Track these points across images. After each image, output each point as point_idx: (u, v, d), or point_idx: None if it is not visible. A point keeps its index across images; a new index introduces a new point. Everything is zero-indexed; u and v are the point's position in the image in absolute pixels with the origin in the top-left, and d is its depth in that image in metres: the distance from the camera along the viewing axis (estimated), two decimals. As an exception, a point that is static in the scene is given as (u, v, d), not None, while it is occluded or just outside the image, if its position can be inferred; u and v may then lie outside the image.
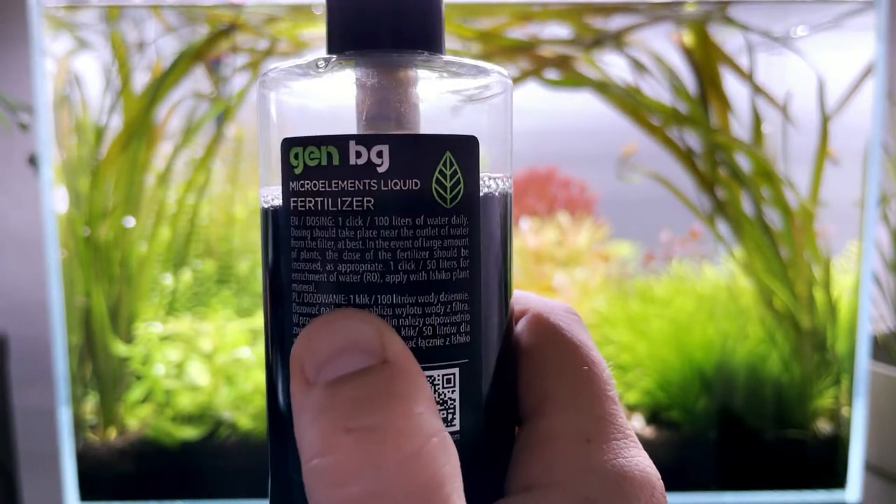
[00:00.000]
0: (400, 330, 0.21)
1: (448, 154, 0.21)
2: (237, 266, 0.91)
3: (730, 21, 0.84)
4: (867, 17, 0.82)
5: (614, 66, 0.86)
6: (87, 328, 0.86)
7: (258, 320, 0.89)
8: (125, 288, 0.87)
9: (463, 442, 0.21)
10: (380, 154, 0.21)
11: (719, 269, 0.93)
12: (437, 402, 0.21)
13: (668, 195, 0.89)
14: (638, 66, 0.86)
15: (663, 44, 0.86)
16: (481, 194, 0.22)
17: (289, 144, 0.21)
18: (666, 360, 0.88)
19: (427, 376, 0.21)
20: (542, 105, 0.90)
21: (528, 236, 0.97)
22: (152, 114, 0.85)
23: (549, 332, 0.24)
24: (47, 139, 0.81)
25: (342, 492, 0.18)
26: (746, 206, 0.87)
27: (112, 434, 0.86)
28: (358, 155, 0.21)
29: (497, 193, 0.23)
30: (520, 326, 0.24)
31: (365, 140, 0.21)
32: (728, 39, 0.86)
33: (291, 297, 0.22)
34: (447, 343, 0.21)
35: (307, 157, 0.21)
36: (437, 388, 0.21)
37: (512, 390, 0.24)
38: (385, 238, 0.21)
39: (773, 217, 0.86)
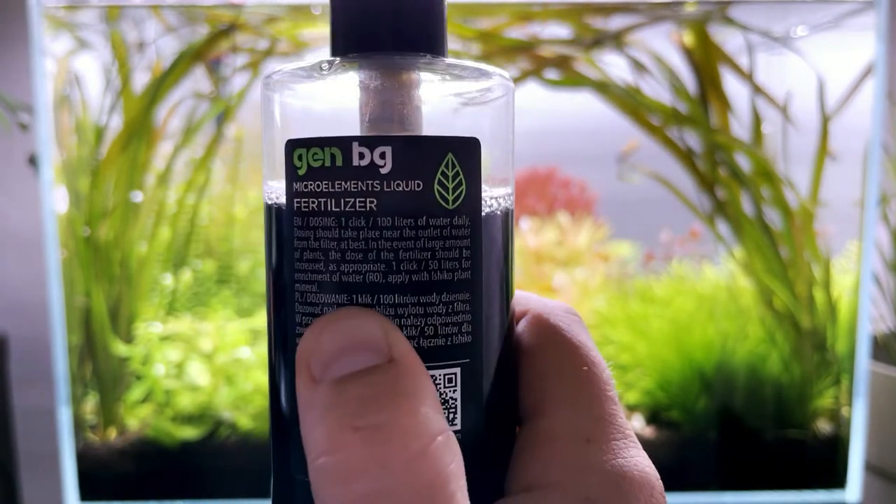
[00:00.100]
0: (402, 330, 0.21)
1: (450, 156, 0.21)
2: (237, 266, 0.91)
3: (730, 21, 0.84)
4: (867, 17, 0.82)
5: (614, 66, 0.86)
6: (87, 328, 0.86)
7: (258, 320, 0.89)
8: (125, 288, 0.87)
9: (464, 441, 0.21)
10: (383, 155, 0.21)
11: (719, 269, 0.93)
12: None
13: (668, 195, 0.89)
14: (638, 66, 0.86)
15: (663, 44, 0.86)
16: (482, 196, 0.22)
17: (292, 146, 0.22)
18: (666, 360, 0.88)
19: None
20: (542, 105, 0.90)
21: (528, 236, 0.97)
22: (152, 114, 0.85)
23: (549, 333, 0.24)
24: (47, 139, 0.81)
25: (349, 489, 0.18)
26: (746, 206, 0.87)
27: (112, 434, 0.86)
28: (361, 156, 0.21)
29: (498, 199, 0.23)
30: (520, 327, 0.24)
31: (368, 141, 0.21)
32: (728, 39, 0.86)
33: (294, 296, 0.22)
34: (449, 343, 0.21)
35: (311, 159, 0.21)
36: (438, 387, 0.21)
37: (513, 390, 0.24)
38: (387, 238, 0.21)
39: (773, 217, 0.86)
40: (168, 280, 0.90)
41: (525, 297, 0.25)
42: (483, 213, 0.22)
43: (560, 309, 0.25)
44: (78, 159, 0.85)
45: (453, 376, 0.22)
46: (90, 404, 0.87)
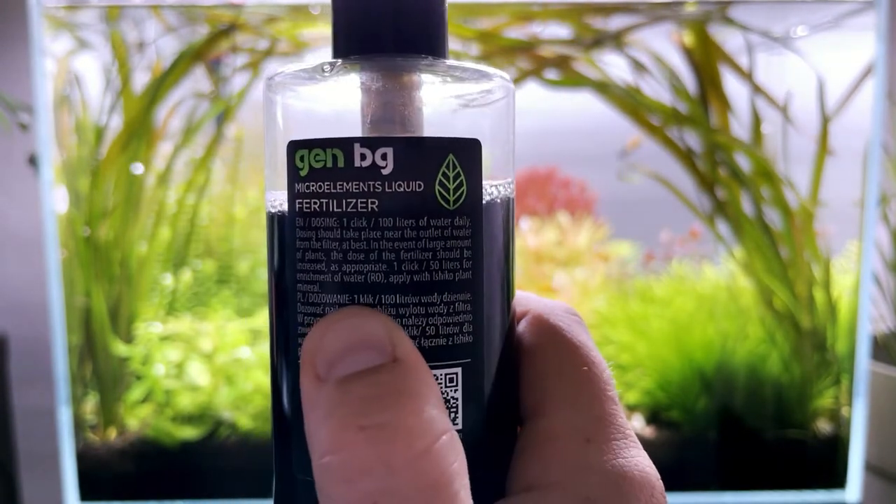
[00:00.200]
0: (403, 329, 0.21)
1: (451, 157, 0.21)
2: (237, 266, 0.92)
3: (730, 21, 0.84)
4: (867, 17, 0.82)
5: (614, 66, 0.86)
6: (87, 328, 0.86)
7: (258, 320, 0.89)
8: (125, 288, 0.87)
9: (465, 441, 0.21)
10: (384, 156, 0.21)
11: (719, 269, 0.93)
12: None
13: (668, 195, 0.89)
14: (638, 66, 0.86)
15: (663, 44, 0.86)
16: (484, 197, 0.22)
17: (294, 147, 0.22)
18: (666, 360, 0.89)
19: None
20: (542, 105, 0.90)
21: (528, 236, 0.97)
22: (152, 114, 0.85)
23: (549, 333, 0.24)
24: (47, 139, 0.81)
25: (354, 488, 0.18)
26: (746, 206, 0.87)
27: (112, 434, 0.86)
28: (363, 157, 0.21)
29: (499, 196, 0.23)
30: (520, 327, 0.24)
31: (369, 142, 0.21)
32: (728, 39, 0.86)
33: (297, 297, 0.22)
34: (450, 343, 0.22)
35: (312, 160, 0.21)
36: (440, 387, 0.21)
37: (513, 390, 0.24)
38: (389, 239, 0.21)
39: (773, 217, 0.86)
40: (168, 280, 0.90)
41: (525, 297, 0.25)
42: (484, 214, 0.22)
43: (560, 309, 0.25)
44: (78, 159, 0.85)
45: (454, 376, 0.22)
46: (90, 404, 0.87)
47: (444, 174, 0.21)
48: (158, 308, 0.89)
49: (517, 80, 0.86)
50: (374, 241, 0.21)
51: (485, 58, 0.86)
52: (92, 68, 0.86)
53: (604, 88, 0.86)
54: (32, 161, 0.86)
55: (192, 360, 0.86)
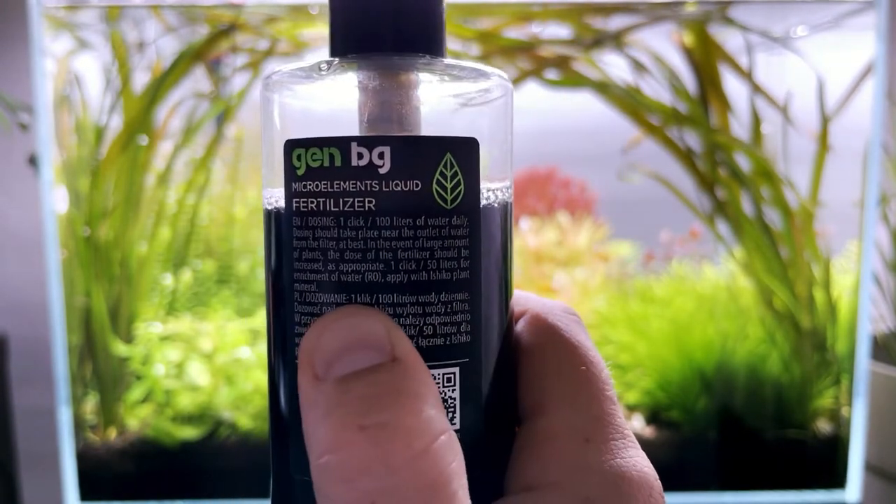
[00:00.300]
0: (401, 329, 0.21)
1: (448, 156, 0.21)
2: (237, 266, 0.92)
3: (730, 21, 0.84)
4: (867, 17, 0.82)
5: (614, 66, 0.86)
6: (87, 328, 0.86)
7: (258, 320, 0.89)
8: (125, 288, 0.87)
9: (463, 441, 0.21)
10: (381, 155, 0.21)
11: (719, 269, 0.93)
12: None
13: (668, 195, 0.89)
14: (638, 66, 0.86)
15: (663, 44, 0.86)
16: (481, 196, 0.22)
17: (291, 146, 0.22)
18: (666, 360, 0.89)
19: None
20: (542, 105, 0.90)
21: (528, 236, 0.97)
22: (152, 114, 0.85)
23: (547, 333, 0.24)
24: (47, 139, 0.81)
25: (353, 487, 0.18)
26: (746, 206, 0.87)
27: (112, 434, 0.86)
28: (360, 156, 0.21)
29: (497, 194, 0.23)
30: (519, 326, 0.24)
31: (366, 141, 0.21)
32: (728, 39, 0.86)
33: (293, 296, 0.22)
34: (447, 342, 0.22)
35: (310, 159, 0.21)
36: (437, 386, 0.21)
37: (512, 390, 0.24)
38: (386, 238, 0.21)
39: (773, 217, 0.86)
40: (168, 280, 0.90)
41: (524, 296, 0.25)
42: (481, 213, 0.22)
43: (559, 308, 0.25)
44: (78, 159, 0.85)
45: (452, 376, 0.22)
46: (90, 404, 0.87)
47: (441, 173, 0.21)
48: (158, 308, 0.89)
49: (517, 80, 0.86)
50: (371, 241, 0.21)
51: (485, 58, 0.86)
52: (92, 68, 0.86)
53: (604, 88, 0.86)
54: (32, 161, 0.86)
55: (192, 360, 0.86)
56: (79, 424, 0.85)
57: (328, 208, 0.21)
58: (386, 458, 0.18)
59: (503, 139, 0.24)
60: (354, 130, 0.23)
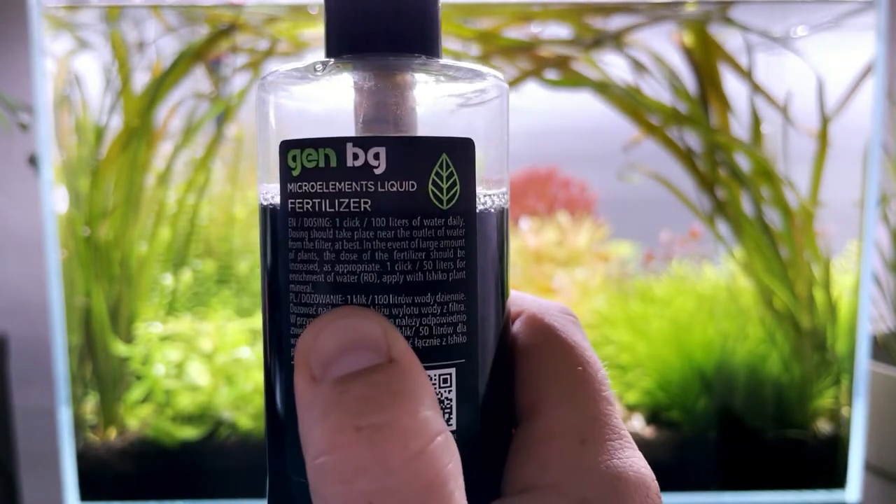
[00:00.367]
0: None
1: (444, 156, 0.21)
2: (237, 266, 0.92)
3: (730, 21, 0.84)
4: (867, 17, 0.82)
5: (614, 66, 0.86)
6: (87, 328, 0.86)
7: (258, 320, 0.89)
8: (125, 288, 0.87)
9: (459, 441, 0.21)
10: (376, 156, 0.21)
11: (719, 269, 0.93)
12: None
13: (668, 195, 0.89)
14: (638, 66, 0.86)
15: (663, 44, 0.86)
16: (477, 197, 0.22)
17: (287, 146, 0.22)
18: (666, 360, 0.88)
19: None
20: (542, 105, 0.90)
21: (528, 236, 0.97)
22: (152, 114, 0.85)
23: (544, 333, 0.24)
24: (47, 139, 0.81)
25: (350, 488, 0.18)
26: (746, 206, 0.87)
27: (112, 434, 0.86)
28: (355, 157, 0.21)
29: (493, 195, 0.23)
30: (515, 327, 0.24)
31: (362, 142, 0.21)
32: (728, 39, 0.86)
33: (289, 297, 0.22)
34: (444, 343, 0.21)
35: (305, 159, 0.21)
36: (433, 387, 0.21)
37: (508, 391, 0.24)
38: (382, 239, 0.21)
39: (773, 217, 0.86)
40: (168, 280, 0.90)
41: (520, 297, 0.25)
42: (477, 214, 0.22)
43: (555, 309, 0.25)
44: (78, 159, 0.85)
45: (448, 377, 0.22)
46: (90, 404, 0.87)
47: (437, 174, 0.21)
48: (158, 308, 0.89)
49: (517, 80, 0.85)
50: (366, 242, 0.21)
51: (485, 58, 0.86)
52: (92, 68, 0.86)
53: (604, 88, 0.86)
54: (32, 161, 0.86)
55: (192, 360, 0.86)
56: (79, 424, 0.85)
57: (324, 209, 0.21)
58: (383, 459, 0.18)
59: (499, 139, 0.24)
60: (350, 131, 0.23)
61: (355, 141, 0.21)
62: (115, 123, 0.85)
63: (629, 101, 0.86)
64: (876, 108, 0.81)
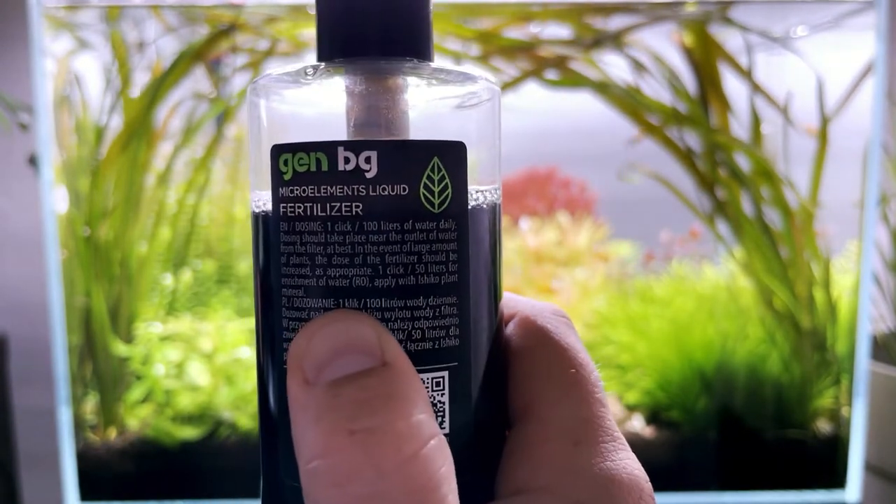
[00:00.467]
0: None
1: (436, 160, 0.21)
2: (237, 266, 0.92)
3: (730, 21, 0.84)
4: (867, 17, 0.82)
5: (614, 66, 0.86)
6: (87, 328, 0.86)
7: (258, 320, 0.89)
8: (125, 288, 0.87)
9: (452, 444, 0.21)
10: (368, 160, 0.21)
11: (719, 269, 0.93)
12: None
13: (668, 195, 0.89)
14: (638, 66, 0.86)
15: (663, 44, 0.86)
16: (469, 200, 0.22)
17: (278, 151, 0.22)
18: (666, 360, 0.88)
19: None
20: (542, 105, 0.90)
21: (528, 236, 0.97)
22: (152, 114, 0.85)
23: (537, 335, 0.24)
24: (47, 139, 0.81)
25: (343, 492, 0.18)
26: (746, 206, 0.87)
27: (112, 434, 0.87)
28: (346, 161, 0.21)
29: (485, 198, 0.23)
30: (508, 329, 0.24)
31: (353, 146, 0.21)
32: (728, 39, 0.85)
33: (281, 301, 0.22)
34: (436, 346, 0.21)
35: (296, 164, 0.21)
36: (426, 390, 0.21)
37: (501, 393, 0.24)
38: (374, 243, 0.21)
39: (773, 217, 0.86)
40: (168, 280, 0.90)
41: (513, 299, 0.25)
42: (469, 217, 0.22)
43: (548, 311, 0.25)
44: (78, 159, 0.85)
45: (441, 380, 0.22)
46: (90, 404, 0.87)
47: (428, 177, 0.21)
48: (158, 308, 0.89)
49: (517, 80, 0.85)
50: (358, 245, 0.21)
51: (485, 58, 0.86)
52: (92, 68, 0.86)
53: (604, 88, 0.86)
54: (32, 161, 0.86)
55: (192, 360, 0.86)
56: (79, 424, 0.85)
57: (315, 213, 0.21)
58: (376, 462, 0.18)
59: (491, 142, 0.24)
60: (341, 135, 0.23)
61: (346, 145, 0.21)
62: (115, 123, 0.85)
63: (629, 101, 0.86)
64: (876, 108, 0.81)
